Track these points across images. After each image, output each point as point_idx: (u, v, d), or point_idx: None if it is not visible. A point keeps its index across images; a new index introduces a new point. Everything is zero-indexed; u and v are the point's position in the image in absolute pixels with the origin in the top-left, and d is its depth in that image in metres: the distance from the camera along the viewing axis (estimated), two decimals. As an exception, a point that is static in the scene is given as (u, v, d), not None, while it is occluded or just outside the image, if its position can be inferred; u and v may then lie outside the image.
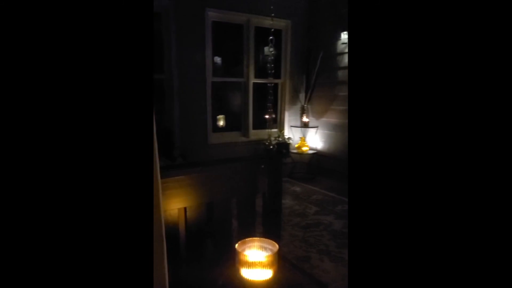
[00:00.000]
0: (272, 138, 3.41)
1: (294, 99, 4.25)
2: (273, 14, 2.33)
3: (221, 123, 4.37)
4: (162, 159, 2.35)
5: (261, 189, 1.55)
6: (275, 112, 4.26)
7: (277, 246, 1.14)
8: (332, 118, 3.93)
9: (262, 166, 1.54)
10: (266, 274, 1.09)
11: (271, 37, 1.73)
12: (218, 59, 4.43)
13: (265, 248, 1.17)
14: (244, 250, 1.13)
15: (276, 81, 4.12)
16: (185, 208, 1.35)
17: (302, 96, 4.23)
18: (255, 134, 4.05)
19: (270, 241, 1.17)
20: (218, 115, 4.29)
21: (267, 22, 3.50)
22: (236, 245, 1.11)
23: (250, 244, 1.16)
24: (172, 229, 1.34)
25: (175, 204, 1.32)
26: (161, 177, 1.31)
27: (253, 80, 4.00)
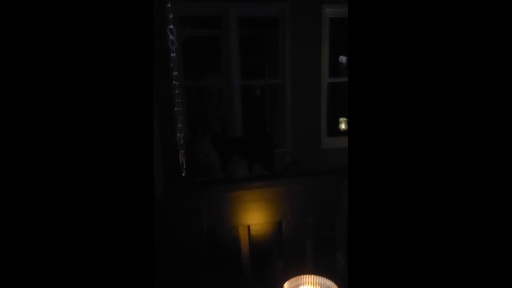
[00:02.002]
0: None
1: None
2: None
3: (343, 126, 4.08)
4: (259, 169, 2.29)
5: (344, 209, 1.29)
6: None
7: (337, 290, 0.89)
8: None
9: (346, 182, 1.28)
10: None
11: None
12: (343, 59, 4.15)
13: (325, 290, 0.93)
14: (293, 290, 0.92)
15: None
16: (248, 226, 1.22)
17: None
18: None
19: (330, 281, 0.92)
20: (338, 117, 4.02)
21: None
22: (285, 285, 0.91)
23: (303, 281, 0.94)
24: (234, 249, 1.23)
25: (236, 221, 1.20)
26: (223, 191, 1.23)
27: (376, 78, 3.57)
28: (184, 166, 1.14)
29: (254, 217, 1.22)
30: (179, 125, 1.11)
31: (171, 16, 1.10)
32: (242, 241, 1.22)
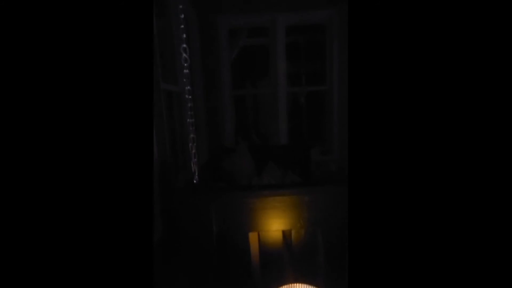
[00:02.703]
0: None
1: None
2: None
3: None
4: (292, 177, 2.28)
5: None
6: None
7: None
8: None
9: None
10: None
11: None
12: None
13: (316, 300, 0.93)
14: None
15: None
16: (258, 234, 1.26)
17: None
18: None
19: (320, 292, 0.92)
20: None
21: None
22: (275, 290, 0.94)
23: (294, 291, 0.95)
24: (243, 255, 1.27)
25: (247, 227, 1.25)
26: (236, 198, 1.28)
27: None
28: (196, 173, 1.22)
29: (265, 224, 1.25)
30: (192, 135, 1.20)
31: (184, 35, 1.20)
32: (252, 248, 1.26)
